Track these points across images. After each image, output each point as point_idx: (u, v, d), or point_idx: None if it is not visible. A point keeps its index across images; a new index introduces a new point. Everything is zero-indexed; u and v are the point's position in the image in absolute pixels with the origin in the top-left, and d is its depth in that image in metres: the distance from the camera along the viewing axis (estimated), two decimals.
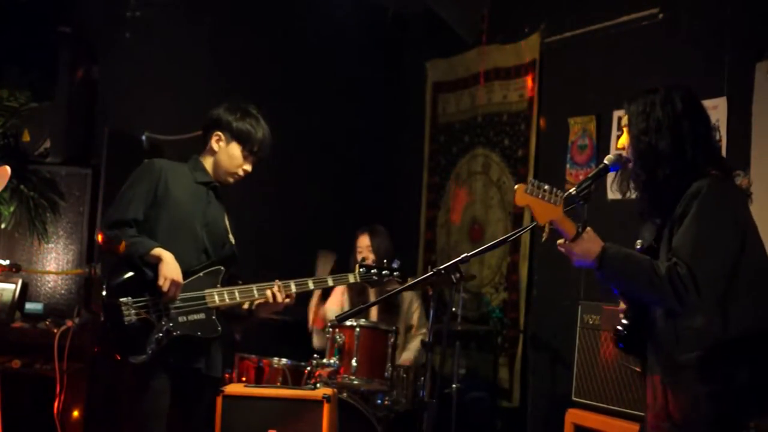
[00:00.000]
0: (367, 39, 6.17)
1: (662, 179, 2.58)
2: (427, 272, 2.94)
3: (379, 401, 4.57)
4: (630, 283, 2.55)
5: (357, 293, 4.96)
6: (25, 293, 4.68)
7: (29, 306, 4.68)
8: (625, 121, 2.70)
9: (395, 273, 3.87)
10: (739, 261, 2.47)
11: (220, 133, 3.60)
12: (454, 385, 4.72)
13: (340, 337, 4.40)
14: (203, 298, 3.46)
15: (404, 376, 4.67)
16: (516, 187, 2.51)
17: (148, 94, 5.18)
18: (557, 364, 4.93)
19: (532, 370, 5.18)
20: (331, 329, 4.46)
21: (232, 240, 3.67)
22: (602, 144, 4.78)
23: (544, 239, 2.54)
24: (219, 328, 3.48)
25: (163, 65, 5.29)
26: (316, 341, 5.06)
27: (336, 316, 3.44)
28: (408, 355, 4.89)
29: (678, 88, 2.68)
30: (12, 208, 4.60)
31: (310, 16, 5.84)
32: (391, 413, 4.55)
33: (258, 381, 4.51)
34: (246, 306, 3.65)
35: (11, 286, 4.61)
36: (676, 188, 2.55)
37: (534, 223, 2.55)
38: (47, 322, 4.52)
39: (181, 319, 3.39)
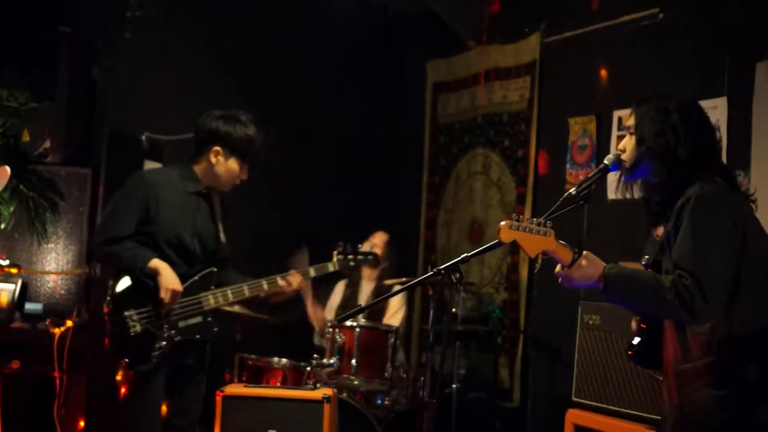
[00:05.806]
0: (367, 39, 6.17)
1: (677, 182, 2.56)
2: (427, 272, 2.93)
3: (379, 401, 4.58)
4: (637, 302, 2.54)
5: (352, 293, 4.99)
6: (25, 293, 4.68)
7: (29, 306, 4.68)
8: (630, 122, 2.68)
9: (369, 256, 4.08)
10: (741, 261, 2.46)
11: (218, 148, 3.58)
12: (454, 385, 4.71)
13: (340, 337, 4.41)
14: (200, 301, 3.56)
15: (404, 376, 4.67)
16: (500, 225, 2.48)
17: (147, 94, 5.18)
18: (557, 364, 4.93)
19: (532, 370, 5.17)
20: (331, 329, 4.46)
21: (223, 239, 3.70)
22: (602, 144, 4.78)
23: (537, 270, 2.53)
24: (215, 329, 3.61)
25: (163, 65, 5.29)
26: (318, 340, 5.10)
27: (336, 317, 3.46)
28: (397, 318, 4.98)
29: (687, 97, 2.67)
30: (12, 208, 4.59)
31: (309, 16, 5.85)
32: (391, 413, 4.55)
33: (258, 381, 4.51)
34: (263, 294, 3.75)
35: (11, 286, 4.61)
36: (678, 194, 2.53)
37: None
38: (47, 323, 4.52)
39: (181, 324, 3.50)
